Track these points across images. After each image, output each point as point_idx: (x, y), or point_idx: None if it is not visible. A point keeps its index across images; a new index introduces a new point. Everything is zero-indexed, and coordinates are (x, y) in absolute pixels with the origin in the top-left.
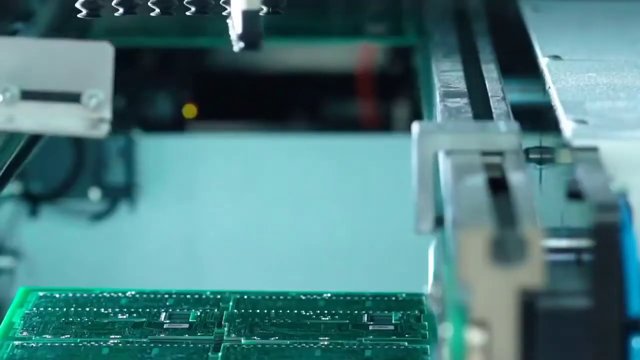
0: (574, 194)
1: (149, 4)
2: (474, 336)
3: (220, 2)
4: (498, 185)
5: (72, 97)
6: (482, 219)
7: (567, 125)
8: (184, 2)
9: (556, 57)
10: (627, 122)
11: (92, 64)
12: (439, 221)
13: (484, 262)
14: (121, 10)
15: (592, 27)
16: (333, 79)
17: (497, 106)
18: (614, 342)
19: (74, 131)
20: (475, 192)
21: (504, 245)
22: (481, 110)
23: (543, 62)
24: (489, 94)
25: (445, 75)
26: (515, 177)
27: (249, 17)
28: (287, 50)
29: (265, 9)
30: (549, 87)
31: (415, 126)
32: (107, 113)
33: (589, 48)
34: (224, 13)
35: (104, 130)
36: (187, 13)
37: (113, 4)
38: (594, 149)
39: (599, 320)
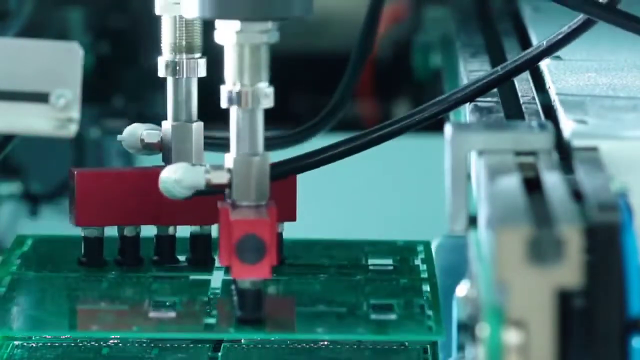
0: (574, 194)
1: (153, 260)
2: (512, 336)
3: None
4: (531, 186)
5: (40, 97)
6: (520, 219)
7: (567, 125)
8: (185, 259)
9: (556, 57)
10: (627, 122)
11: (60, 64)
12: (472, 221)
13: (522, 262)
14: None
15: (592, 27)
16: (333, 78)
17: (528, 106)
18: (614, 342)
19: (42, 131)
20: (511, 192)
21: (541, 245)
22: (512, 110)
23: (543, 62)
24: (519, 94)
25: (475, 75)
26: (550, 177)
27: (249, 295)
28: (287, 50)
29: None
30: (549, 87)
31: (448, 126)
32: (75, 113)
33: (589, 48)
34: (231, 292)
35: (72, 130)
36: (187, 272)
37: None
38: (594, 149)
39: (599, 320)
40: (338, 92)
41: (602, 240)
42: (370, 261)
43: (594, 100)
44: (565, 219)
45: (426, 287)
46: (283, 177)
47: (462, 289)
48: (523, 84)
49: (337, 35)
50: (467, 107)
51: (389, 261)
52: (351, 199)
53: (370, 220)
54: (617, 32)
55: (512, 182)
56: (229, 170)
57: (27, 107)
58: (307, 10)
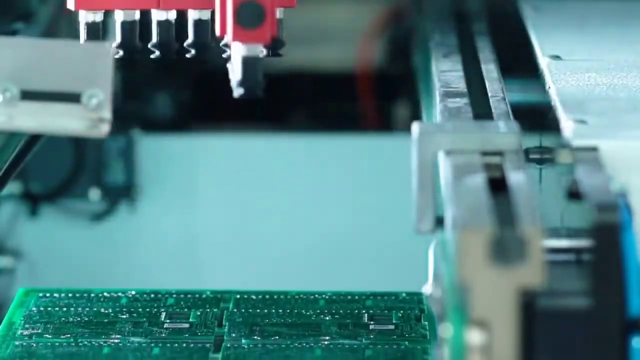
0: (574, 194)
1: (149, 46)
2: (474, 336)
3: (220, 45)
4: (498, 186)
5: (72, 97)
6: (482, 219)
7: (567, 125)
8: (184, 45)
9: (556, 57)
10: (627, 122)
11: (92, 64)
12: (439, 221)
13: (484, 262)
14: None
15: (592, 27)
16: (333, 78)
17: (497, 106)
18: (614, 342)
19: (74, 131)
20: (476, 192)
21: (503, 245)
22: (481, 110)
23: (543, 62)
24: (489, 94)
25: (446, 75)
26: (515, 177)
27: (249, 63)
28: (288, 49)
29: (265, 51)
30: (549, 87)
31: (415, 126)
32: (107, 113)
33: (589, 48)
34: (223, 55)
35: (104, 130)
36: (187, 55)
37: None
38: (594, 149)
39: (599, 320)
40: None
41: (602, 240)
42: (372, 321)
43: (594, 100)
44: (528, 219)
45: (426, 350)
46: None
47: (428, 288)
48: (494, 84)
49: (336, 49)
50: (437, 107)
51: (391, 319)
52: (351, 198)
53: (371, 220)
54: (617, 33)
55: (476, 183)
56: None
57: (59, 107)
58: None
